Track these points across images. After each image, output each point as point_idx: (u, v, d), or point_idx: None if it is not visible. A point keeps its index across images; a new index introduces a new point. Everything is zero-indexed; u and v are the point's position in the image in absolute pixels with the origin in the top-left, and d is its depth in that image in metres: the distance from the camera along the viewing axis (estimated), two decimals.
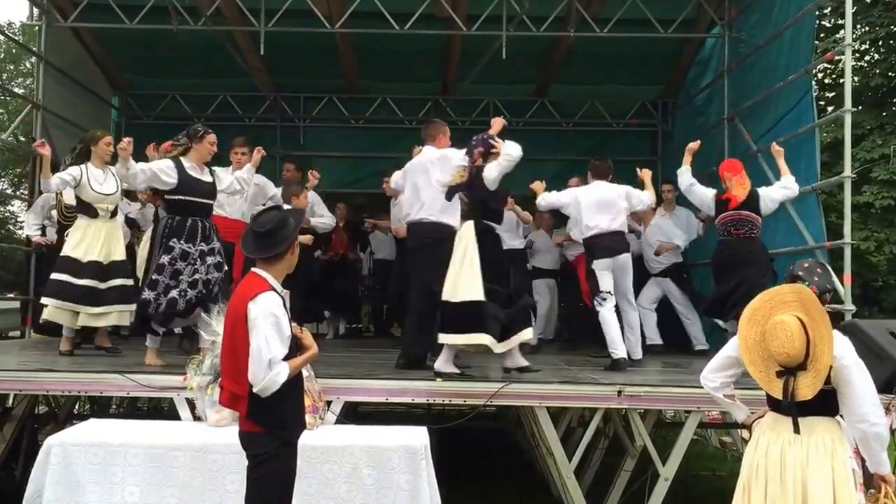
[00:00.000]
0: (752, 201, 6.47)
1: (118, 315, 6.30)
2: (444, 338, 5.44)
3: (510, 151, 5.58)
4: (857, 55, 16.50)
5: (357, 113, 11.88)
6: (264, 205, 6.33)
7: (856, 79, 15.54)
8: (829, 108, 15.63)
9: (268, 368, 3.15)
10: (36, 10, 9.45)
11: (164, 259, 5.51)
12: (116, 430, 4.59)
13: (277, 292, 3.28)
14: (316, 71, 10.95)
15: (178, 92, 11.52)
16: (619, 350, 6.23)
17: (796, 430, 3.36)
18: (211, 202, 5.88)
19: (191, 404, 4.94)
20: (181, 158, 5.70)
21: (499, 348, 5.41)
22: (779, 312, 3.37)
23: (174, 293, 5.45)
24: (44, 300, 6.17)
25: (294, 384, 3.32)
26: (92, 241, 6.25)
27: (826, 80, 16.89)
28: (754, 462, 3.47)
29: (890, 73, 16.03)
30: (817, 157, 7.23)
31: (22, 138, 15.15)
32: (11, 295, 10.22)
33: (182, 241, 5.54)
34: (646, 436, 5.32)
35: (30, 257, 8.85)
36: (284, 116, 11.92)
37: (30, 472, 4.36)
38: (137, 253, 6.93)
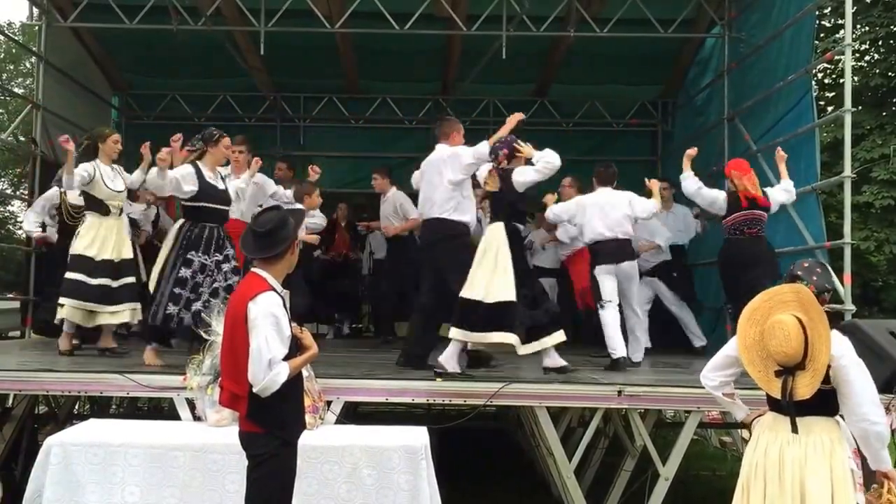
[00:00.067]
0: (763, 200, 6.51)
1: (130, 313, 6.32)
2: (467, 335, 5.43)
3: (551, 159, 5.60)
4: (857, 55, 16.51)
5: (357, 113, 11.87)
6: (260, 206, 6.32)
7: (856, 79, 15.54)
8: (829, 108, 15.64)
9: (268, 368, 3.15)
10: (36, 10, 9.44)
11: (185, 273, 5.52)
12: (116, 430, 4.58)
13: (277, 292, 3.28)
14: (316, 71, 10.95)
15: (178, 92, 11.51)
16: (618, 350, 6.23)
17: (794, 429, 3.37)
18: (227, 208, 5.89)
19: (191, 404, 4.94)
20: (198, 164, 5.70)
21: (523, 350, 5.42)
22: (778, 312, 3.37)
23: (197, 305, 5.46)
24: (61, 300, 6.14)
25: (294, 384, 3.32)
26: (105, 240, 6.26)
27: (826, 80, 16.90)
28: (753, 462, 3.48)
29: (890, 73, 16.04)
30: (817, 157, 7.23)
31: (22, 138, 15.15)
32: (11, 295, 10.22)
33: (200, 253, 5.57)
34: (646, 436, 5.32)
35: (30, 257, 8.85)
36: (284, 116, 11.91)
37: (30, 472, 4.36)
38: (137, 252, 6.95)
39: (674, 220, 8.29)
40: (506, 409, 7.61)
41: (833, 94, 16.76)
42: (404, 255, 8.36)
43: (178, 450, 4.32)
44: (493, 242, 5.58)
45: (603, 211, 6.52)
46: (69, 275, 6.15)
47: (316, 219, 8.12)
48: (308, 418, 4.18)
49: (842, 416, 3.42)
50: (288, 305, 3.38)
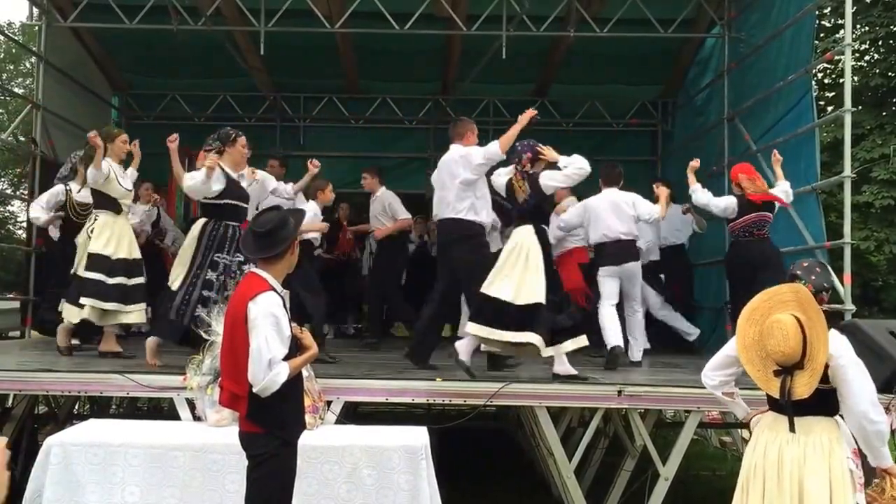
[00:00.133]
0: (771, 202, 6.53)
1: (140, 314, 6.31)
2: (482, 330, 5.37)
3: (582, 165, 5.57)
4: (857, 55, 16.53)
5: (357, 113, 11.87)
6: (257, 207, 6.33)
7: (855, 79, 15.55)
8: (829, 108, 15.64)
9: (268, 368, 3.15)
10: (36, 10, 9.44)
11: (212, 275, 5.55)
12: (116, 430, 4.59)
13: (277, 292, 3.29)
14: (316, 71, 10.95)
15: (178, 92, 11.51)
16: (612, 340, 6.24)
17: (792, 429, 3.37)
18: (247, 206, 5.92)
19: (191, 404, 4.94)
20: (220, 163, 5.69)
21: (546, 352, 5.38)
22: (777, 311, 3.37)
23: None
24: (81, 300, 6.05)
25: (294, 384, 3.32)
26: (120, 238, 6.24)
27: (826, 80, 16.91)
28: (753, 461, 3.48)
29: (890, 73, 16.05)
30: (817, 157, 7.23)
31: (22, 138, 15.16)
32: (11, 295, 10.22)
33: (224, 255, 5.60)
34: (646, 436, 5.32)
35: (30, 257, 8.84)
36: (284, 116, 11.91)
37: (30, 472, 4.36)
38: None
39: (669, 221, 8.27)
40: (506, 409, 7.61)
41: (833, 94, 16.76)
42: (392, 258, 8.30)
43: (178, 450, 4.32)
44: (524, 243, 5.48)
45: (609, 211, 6.54)
46: (88, 274, 6.07)
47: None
48: (308, 418, 4.18)
49: (841, 416, 3.43)
50: (288, 305, 3.38)
